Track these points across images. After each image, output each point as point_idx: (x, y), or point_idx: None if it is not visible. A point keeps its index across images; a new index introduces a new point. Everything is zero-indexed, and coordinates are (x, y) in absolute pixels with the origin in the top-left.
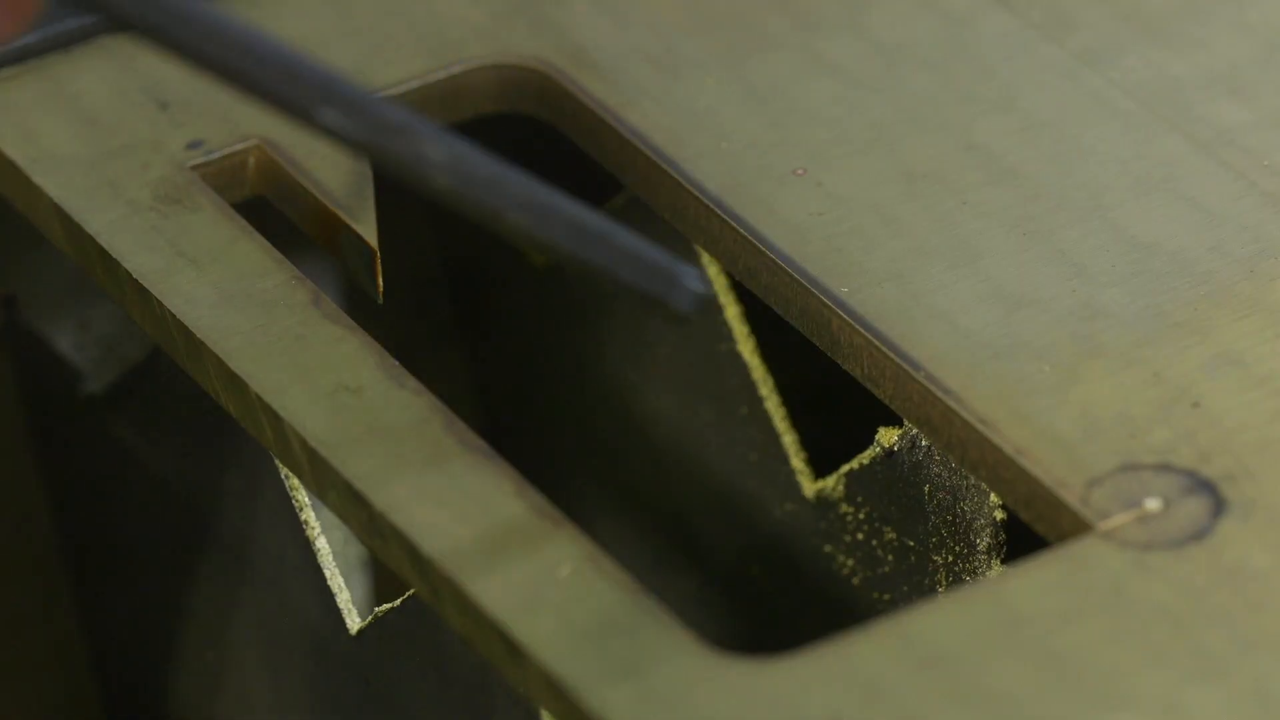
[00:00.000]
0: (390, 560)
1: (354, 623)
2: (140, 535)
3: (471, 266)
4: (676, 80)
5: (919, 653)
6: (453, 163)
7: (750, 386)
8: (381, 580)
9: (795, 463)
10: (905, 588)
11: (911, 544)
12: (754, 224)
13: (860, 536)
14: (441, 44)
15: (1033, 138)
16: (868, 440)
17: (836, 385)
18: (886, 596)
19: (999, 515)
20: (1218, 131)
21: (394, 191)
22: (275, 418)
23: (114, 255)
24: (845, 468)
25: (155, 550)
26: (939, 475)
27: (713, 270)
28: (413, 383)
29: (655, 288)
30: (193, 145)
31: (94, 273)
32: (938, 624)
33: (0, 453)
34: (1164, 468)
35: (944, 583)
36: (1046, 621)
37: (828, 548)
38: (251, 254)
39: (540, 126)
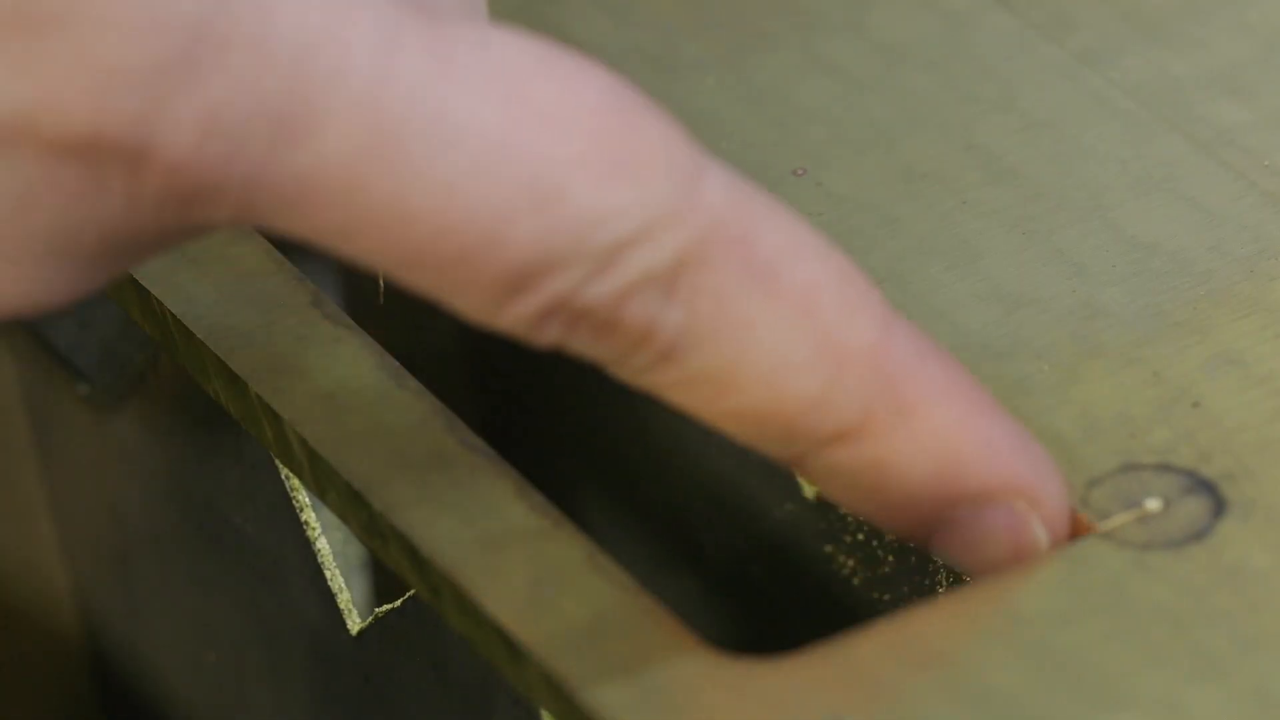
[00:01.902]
0: (390, 560)
1: (354, 623)
2: (141, 536)
3: None
4: (676, 80)
5: (919, 653)
6: None
7: None
8: (381, 580)
9: None
10: (906, 588)
11: (912, 544)
12: None
13: (861, 537)
14: None
15: (1033, 138)
16: None
17: None
18: (887, 597)
19: None
20: (1218, 131)
21: None
22: (275, 418)
23: None
24: None
25: (155, 550)
26: None
27: None
28: (413, 383)
29: None
30: None
31: None
32: (938, 624)
33: (0, 453)
34: (1164, 468)
35: (944, 583)
36: (1046, 621)
37: (828, 548)
38: (252, 254)
39: None
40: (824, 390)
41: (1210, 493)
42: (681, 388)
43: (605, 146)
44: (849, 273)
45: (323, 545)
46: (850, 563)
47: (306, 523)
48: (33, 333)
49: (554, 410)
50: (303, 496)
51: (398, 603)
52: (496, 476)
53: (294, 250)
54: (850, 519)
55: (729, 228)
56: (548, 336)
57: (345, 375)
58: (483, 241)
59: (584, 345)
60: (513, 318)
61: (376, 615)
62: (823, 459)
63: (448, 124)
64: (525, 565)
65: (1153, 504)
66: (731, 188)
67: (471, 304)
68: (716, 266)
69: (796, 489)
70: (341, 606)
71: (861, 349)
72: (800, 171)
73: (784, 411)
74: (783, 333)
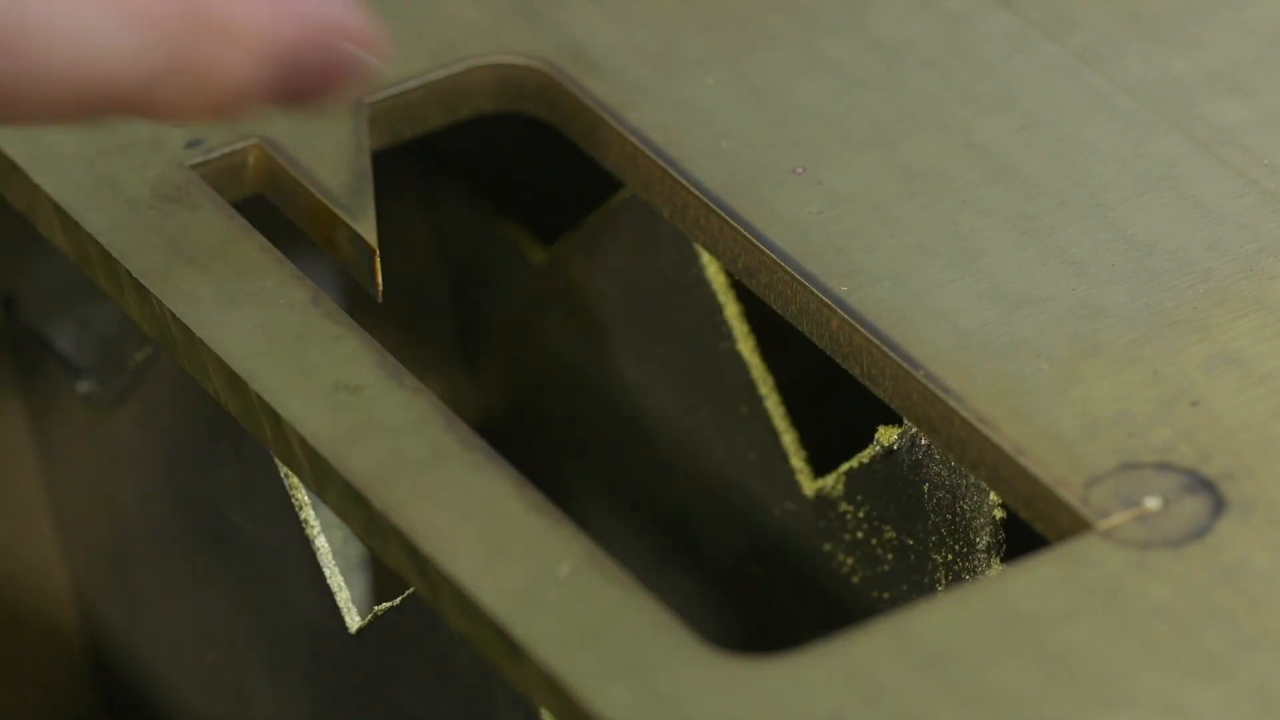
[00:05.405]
0: (390, 559)
1: (354, 621)
2: (140, 535)
3: (471, 266)
4: (676, 79)
5: (919, 651)
6: None
7: (750, 385)
8: (381, 579)
9: (795, 461)
10: (905, 586)
11: (911, 543)
12: (754, 223)
13: (860, 535)
14: (441, 44)
15: (1032, 136)
16: (867, 439)
17: (836, 384)
18: (886, 595)
19: (998, 514)
20: (1218, 130)
21: (394, 191)
22: (275, 417)
23: (114, 255)
24: (845, 466)
25: (155, 549)
26: (938, 474)
27: (713, 269)
28: (412, 381)
29: None
30: (192, 144)
31: (93, 272)
32: (937, 623)
33: (0, 452)
34: (1163, 466)
35: (944, 581)
36: (1046, 620)
37: (827, 546)
38: (251, 253)
39: (540, 126)
40: (145, 58)
41: (1210, 492)
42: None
43: None
44: None
45: (322, 544)
46: (849, 561)
47: (306, 521)
48: (33, 332)
49: (554, 410)
50: (302, 495)
51: (397, 601)
52: (496, 475)
53: (293, 249)
54: (850, 518)
55: None
56: None
57: (344, 374)
58: None
59: None
60: None
61: (376, 614)
62: (179, 107)
63: None
64: (525, 564)
65: (1152, 503)
66: None
67: None
68: None
69: (796, 488)
70: (341, 605)
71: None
72: (800, 170)
73: (109, 86)
74: (86, 26)
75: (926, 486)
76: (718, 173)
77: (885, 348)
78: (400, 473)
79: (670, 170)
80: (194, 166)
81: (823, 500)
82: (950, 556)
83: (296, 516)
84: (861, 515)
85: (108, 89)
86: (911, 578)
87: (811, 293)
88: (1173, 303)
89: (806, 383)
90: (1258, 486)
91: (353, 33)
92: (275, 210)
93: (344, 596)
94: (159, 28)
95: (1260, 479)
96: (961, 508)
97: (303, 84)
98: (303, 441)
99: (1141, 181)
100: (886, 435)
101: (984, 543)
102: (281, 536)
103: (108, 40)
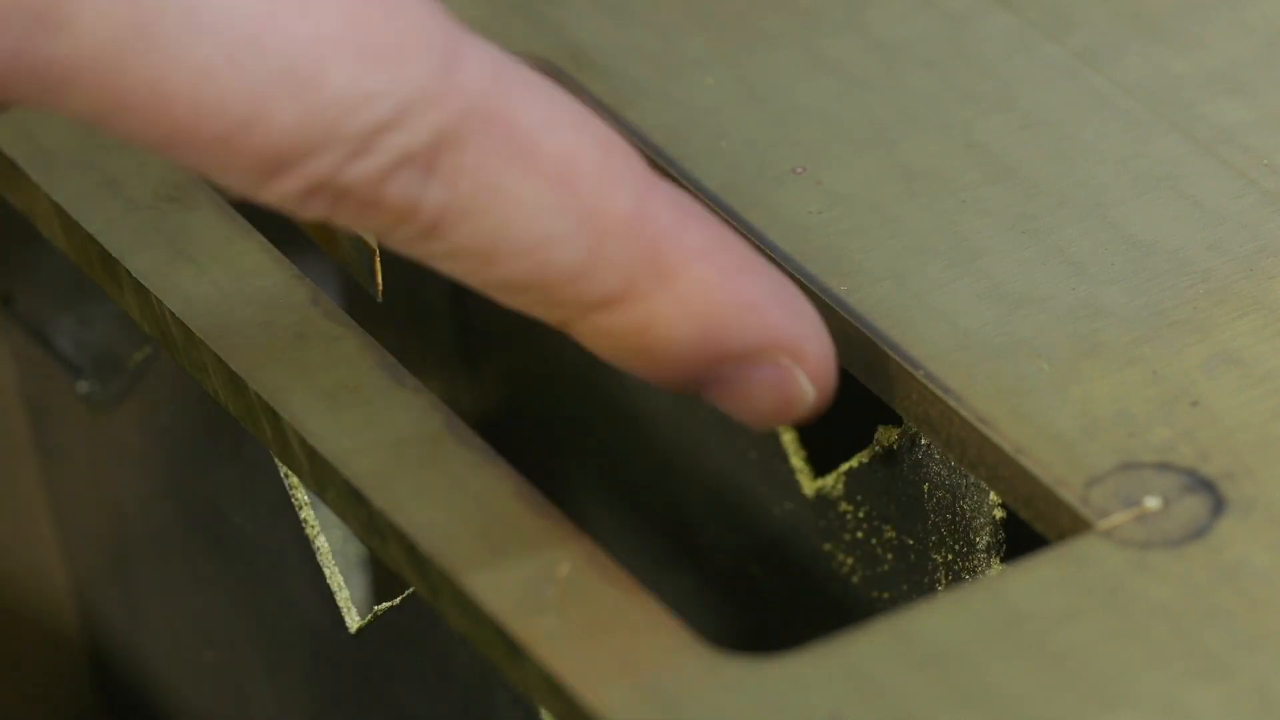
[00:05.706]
0: (389, 559)
1: (353, 621)
2: (140, 535)
3: None
4: (676, 79)
5: (918, 651)
6: None
7: None
8: (381, 579)
9: (795, 461)
10: (905, 586)
11: (911, 542)
12: (753, 222)
13: (860, 535)
14: None
15: (1032, 136)
16: (867, 439)
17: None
18: (886, 595)
19: (998, 514)
20: (1218, 130)
21: None
22: (275, 417)
23: (113, 254)
24: (845, 466)
25: (155, 549)
26: (938, 474)
27: None
28: (412, 381)
29: None
30: None
31: (93, 272)
32: (937, 622)
33: (0, 452)
34: (1163, 466)
35: (943, 581)
36: (1046, 620)
37: (827, 546)
38: (251, 253)
39: None
40: (586, 260)
41: (1210, 491)
42: (447, 259)
43: (361, 29)
44: (608, 141)
45: (322, 543)
46: (849, 561)
47: (306, 521)
48: (33, 332)
49: (553, 409)
50: (302, 495)
51: (397, 600)
52: (495, 475)
53: (293, 249)
54: (849, 517)
55: (486, 105)
56: (311, 212)
57: (344, 373)
58: (241, 125)
59: (348, 220)
60: (275, 195)
61: (376, 613)
62: (589, 323)
63: (204, 10)
64: (524, 564)
65: (1152, 503)
66: (489, 64)
67: (234, 181)
68: (475, 144)
69: (796, 488)
70: (341, 605)
71: (621, 218)
72: (800, 170)
73: (548, 281)
74: (543, 206)
75: (926, 486)
76: (717, 172)
77: (885, 347)
78: (400, 473)
79: (669, 170)
80: None
81: (823, 500)
82: (950, 556)
83: (296, 516)
84: (861, 515)
85: (534, 270)
86: (911, 578)
87: (811, 292)
88: (1173, 303)
89: None
90: (1258, 486)
91: (810, 361)
92: (274, 209)
93: (344, 596)
94: (606, 240)
95: (1260, 479)
96: (961, 508)
97: (719, 375)
98: (303, 441)
99: (1141, 181)
100: (886, 435)
101: (984, 543)
102: (281, 536)
103: (554, 229)
